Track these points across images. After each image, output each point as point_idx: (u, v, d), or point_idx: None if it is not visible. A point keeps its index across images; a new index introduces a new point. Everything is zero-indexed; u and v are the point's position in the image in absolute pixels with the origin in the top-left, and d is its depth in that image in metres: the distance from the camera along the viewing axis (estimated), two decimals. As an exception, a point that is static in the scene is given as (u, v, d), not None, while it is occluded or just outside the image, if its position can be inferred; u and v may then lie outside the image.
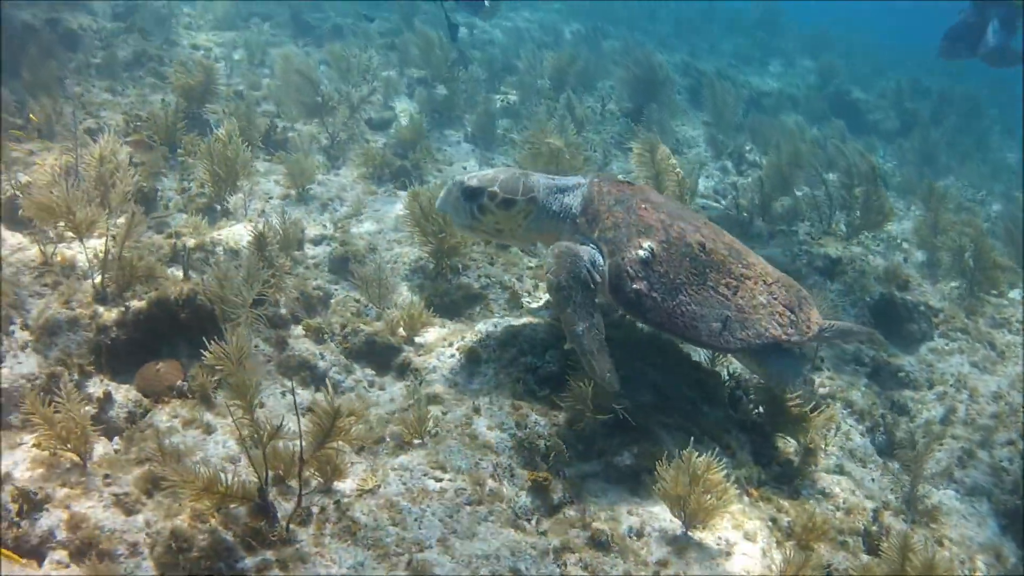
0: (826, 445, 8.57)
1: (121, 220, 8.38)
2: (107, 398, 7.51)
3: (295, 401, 6.43)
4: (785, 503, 7.42)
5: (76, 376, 7.61)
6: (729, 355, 8.44)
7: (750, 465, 7.63)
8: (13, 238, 8.88)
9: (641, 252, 7.37)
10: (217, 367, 6.26)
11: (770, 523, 7.10)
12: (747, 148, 17.60)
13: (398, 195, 12.11)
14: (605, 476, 7.15)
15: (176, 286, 8.03)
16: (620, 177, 8.07)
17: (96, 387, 7.62)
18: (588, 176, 8.07)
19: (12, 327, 7.86)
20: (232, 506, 6.24)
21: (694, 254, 7.51)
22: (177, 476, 6.09)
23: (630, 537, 6.65)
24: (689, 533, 6.72)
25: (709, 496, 6.60)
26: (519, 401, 7.51)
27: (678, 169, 10.49)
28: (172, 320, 7.97)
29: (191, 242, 9.27)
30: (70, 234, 8.17)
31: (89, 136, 10.79)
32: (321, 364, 7.95)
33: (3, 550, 6.26)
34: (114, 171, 8.46)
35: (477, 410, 7.41)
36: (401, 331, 8.29)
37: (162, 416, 7.37)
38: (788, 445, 8.13)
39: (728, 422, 7.91)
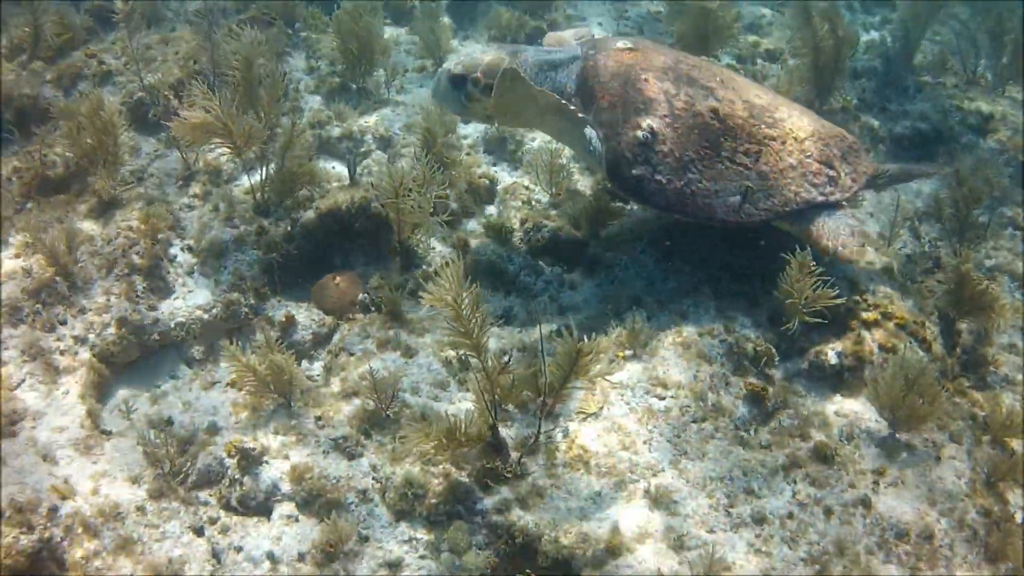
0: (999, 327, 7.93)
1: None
2: (290, 321, 7.03)
3: (540, 334, 5.87)
4: (978, 396, 6.88)
5: (252, 300, 7.13)
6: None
7: (945, 357, 7.06)
8: (146, 144, 8.22)
9: (639, 133, 6.67)
10: (434, 307, 5.70)
11: (970, 420, 6.61)
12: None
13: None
14: (808, 374, 6.68)
15: (345, 193, 7.41)
16: (621, 44, 7.20)
17: (275, 310, 7.16)
18: (585, 47, 7.27)
19: (172, 249, 7.32)
20: (465, 449, 5.81)
21: (704, 124, 6.77)
22: (416, 432, 5.66)
23: (841, 441, 6.26)
24: (897, 435, 6.30)
25: (921, 400, 6.16)
26: (722, 302, 6.98)
27: (840, 31, 9.40)
28: (345, 230, 7.40)
29: (336, 131, 8.55)
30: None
31: (200, 18, 9.90)
32: (510, 268, 7.35)
33: None
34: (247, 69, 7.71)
35: (683, 315, 6.87)
36: (584, 223, 7.63)
37: (352, 338, 6.90)
38: (961, 325, 7.52)
39: (919, 311, 7.29)
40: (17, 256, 7.09)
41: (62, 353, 6.65)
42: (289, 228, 7.37)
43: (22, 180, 7.79)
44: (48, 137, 7.96)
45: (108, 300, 6.92)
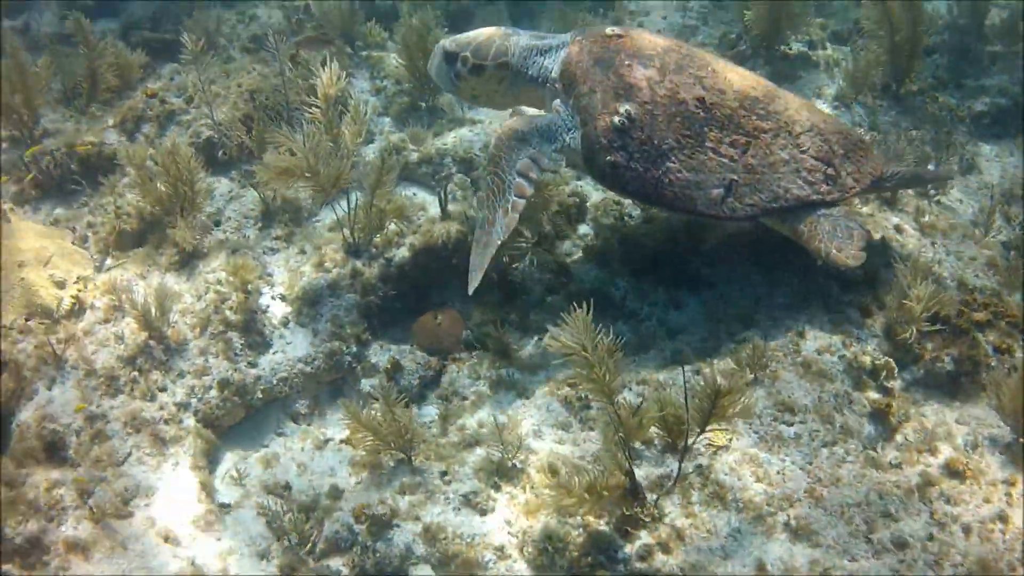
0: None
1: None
2: (395, 367, 6.78)
3: (684, 379, 5.60)
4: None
5: (354, 347, 6.88)
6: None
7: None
8: (220, 184, 7.96)
9: (616, 119, 6.43)
10: (564, 355, 5.43)
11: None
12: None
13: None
14: (925, 382, 6.45)
15: (440, 227, 7.14)
16: (610, 30, 6.94)
17: (378, 355, 6.90)
18: (575, 32, 7.08)
19: (263, 298, 7.07)
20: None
21: (688, 112, 6.48)
22: (557, 491, 5.41)
23: (966, 451, 6.03)
24: (1021, 440, 6.02)
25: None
26: (834, 314, 6.73)
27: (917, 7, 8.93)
28: (442, 266, 7.15)
29: (414, 155, 8.25)
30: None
31: (257, 45, 9.61)
32: (615, 293, 7.07)
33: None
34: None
35: (801, 334, 6.60)
36: (683, 236, 7.33)
37: (463, 380, 6.68)
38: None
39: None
40: (106, 321, 6.85)
41: (167, 423, 6.41)
42: (384, 268, 7.11)
43: (97, 236, 7.55)
44: (118, 186, 7.71)
45: (206, 361, 6.69)
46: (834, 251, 6.44)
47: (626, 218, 7.69)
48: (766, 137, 6.60)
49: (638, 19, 10.84)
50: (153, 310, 6.66)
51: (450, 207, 7.60)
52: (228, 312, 6.88)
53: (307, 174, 6.75)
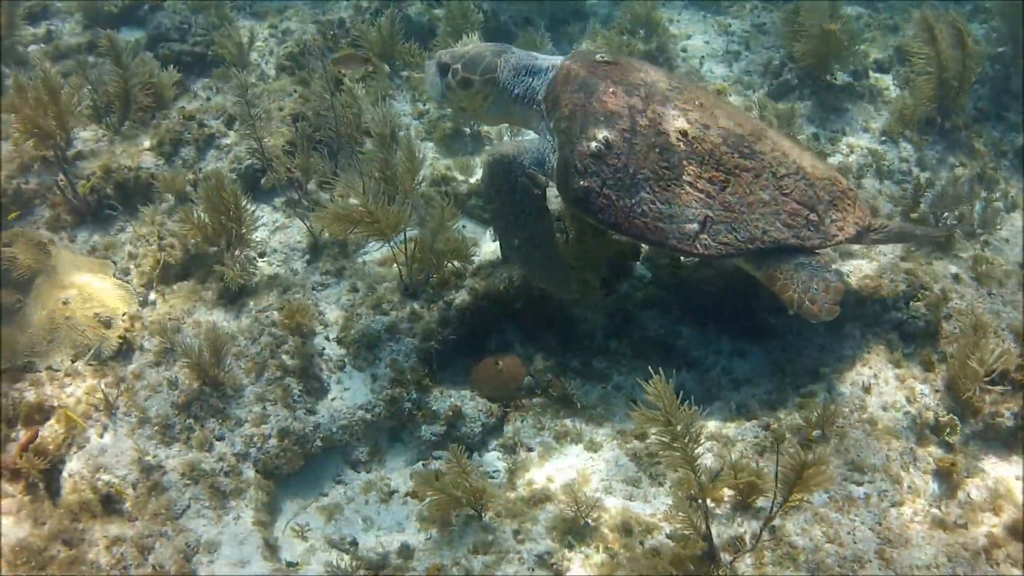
0: None
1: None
2: (456, 414, 6.63)
3: (777, 462, 5.49)
4: None
5: (414, 394, 6.70)
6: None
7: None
8: (264, 213, 7.73)
9: (593, 144, 6.34)
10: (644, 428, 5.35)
11: None
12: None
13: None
14: (984, 435, 6.40)
15: (501, 271, 7.00)
16: (600, 56, 6.88)
17: (439, 402, 6.72)
18: (568, 56, 7.04)
19: (317, 339, 6.89)
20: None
21: (667, 144, 6.37)
22: (645, 560, 5.33)
23: None
24: None
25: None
26: (899, 369, 6.67)
27: (969, 42, 8.82)
28: (502, 310, 7.01)
29: (464, 187, 8.07)
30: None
31: (294, 63, 9.32)
32: (679, 342, 6.97)
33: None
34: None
35: (867, 389, 6.53)
36: (742, 285, 7.22)
37: (528, 430, 6.56)
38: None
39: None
40: (158, 364, 6.64)
41: (226, 474, 6.21)
42: (443, 311, 6.95)
43: (140, 269, 7.31)
44: (158, 215, 7.46)
45: (264, 408, 6.49)
46: (807, 302, 6.23)
47: (683, 259, 7.58)
48: (747, 176, 6.46)
49: (680, 43, 10.62)
50: (207, 354, 6.46)
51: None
52: (285, 357, 6.69)
53: (367, 219, 6.58)
